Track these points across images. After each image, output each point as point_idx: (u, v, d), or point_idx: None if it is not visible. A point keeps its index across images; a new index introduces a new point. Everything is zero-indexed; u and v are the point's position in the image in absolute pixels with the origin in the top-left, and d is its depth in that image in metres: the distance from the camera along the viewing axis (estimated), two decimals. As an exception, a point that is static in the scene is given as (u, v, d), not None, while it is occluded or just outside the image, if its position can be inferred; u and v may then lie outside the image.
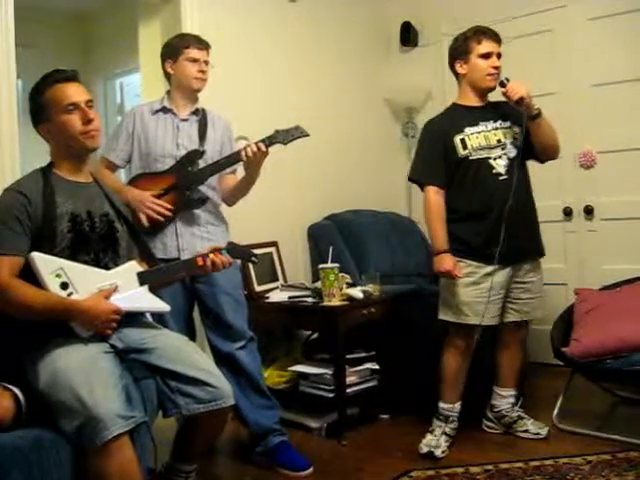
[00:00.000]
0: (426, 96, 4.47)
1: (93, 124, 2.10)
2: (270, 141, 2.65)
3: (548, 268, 3.98)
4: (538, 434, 2.90)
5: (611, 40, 3.79)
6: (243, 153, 2.63)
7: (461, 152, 2.81)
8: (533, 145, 2.83)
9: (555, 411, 3.03)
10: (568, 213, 3.98)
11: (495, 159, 2.81)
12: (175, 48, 2.75)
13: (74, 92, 2.10)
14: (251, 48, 3.71)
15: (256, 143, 2.63)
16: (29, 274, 1.96)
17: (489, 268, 2.77)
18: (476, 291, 2.78)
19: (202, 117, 2.81)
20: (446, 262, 2.77)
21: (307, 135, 2.70)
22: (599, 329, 2.91)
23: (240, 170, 2.84)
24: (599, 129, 3.86)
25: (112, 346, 2.04)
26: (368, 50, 4.52)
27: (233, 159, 2.72)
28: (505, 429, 2.98)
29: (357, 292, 3.18)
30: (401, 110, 4.60)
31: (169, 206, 2.64)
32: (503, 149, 2.82)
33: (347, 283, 3.29)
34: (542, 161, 2.94)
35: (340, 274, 3.17)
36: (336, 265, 3.13)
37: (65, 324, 1.97)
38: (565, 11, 3.94)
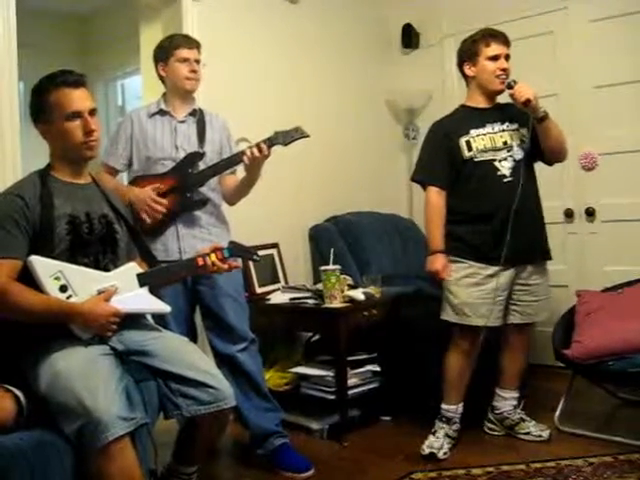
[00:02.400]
0: (427, 98, 4.47)
1: (93, 135, 2.09)
2: (270, 142, 2.64)
3: (549, 270, 4.01)
4: (540, 436, 2.90)
5: (613, 42, 3.78)
6: (245, 157, 2.63)
7: (466, 154, 2.81)
8: (540, 148, 2.82)
9: (557, 413, 3.02)
10: (569, 215, 3.98)
11: (500, 161, 2.81)
12: (165, 50, 2.75)
13: (79, 99, 2.07)
14: (252, 50, 3.71)
15: (257, 144, 2.63)
16: (28, 277, 1.96)
17: (492, 269, 2.77)
18: (479, 292, 2.78)
19: (200, 118, 2.81)
20: (437, 262, 2.79)
21: (307, 136, 2.69)
22: (601, 331, 2.90)
23: (240, 170, 2.84)
24: (601, 131, 3.86)
25: (112, 348, 2.04)
26: (369, 52, 4.52)
27: (233, 161, 2.72)
28: (507, 431, 2.98)
29: (358, 294, 3.18)
30: (402, 112, 4.60)
31: (165, 202, 2.62)
32: (509, 151, 2.82)
33: (348, 285, 3.29)
34: (550, 163, 2.94)
35: (341, 276, 3.17)
36: (337, 267, 3.13)
37: (65, 326, 1.97)
38: (566, 13, 3.93)
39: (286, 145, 2.67)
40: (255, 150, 2.61)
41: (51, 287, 1.96)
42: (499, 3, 4.15)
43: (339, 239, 3.75)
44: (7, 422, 1.83)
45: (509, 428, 2.97)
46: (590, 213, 3.90)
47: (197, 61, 2.75)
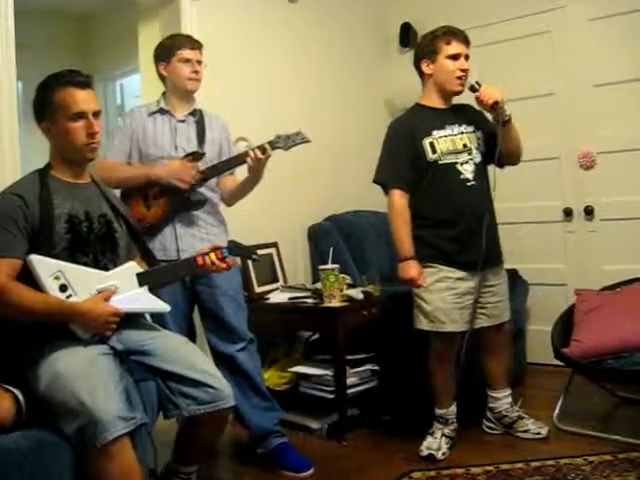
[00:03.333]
0: (426, 97, 4.46)
1: (96, 137, 2.09)
2: (272, 146, 2.64)
3: (548, 268, 4.02)
4: (539, 434, 2.89)
5: (611, 40, 3.78)
6: (248, 158, 2.63)
7: (430, 156, 2.75)
8: (497, 150, 2.74)
9: (556, 411, 3.02)
10: (568, 213, 3.98)
11: (462, 164, 2.76)
12: (167, 50, 2.74)
13: (84, 100, 2.07)
14: (251, 49, 3.71)
15: (261, 146, 2.63)
16: (28, 276, 1.96)
17: (461, 273, 2.74)
18: (452, 296, 2.73)
19: (199, 118, 2.80)
20: (412, 270, 2.72)
21: (308, 141, 2.68)
22: (600, 329, 2.91)
23: (238, 171, 2.83)
24: (599, 129, 3.86)
25: (112, 348, 2.03)
26: (368, 51, 4.52)
27: (236, 162, 2.72)
28: (505, 429, 2.97)
29: (357, 293, 3.18)
30: (400, 111, 4.57)
31: (193, 166, 2.63)
32: (469, 154, 2.78)
33: (347, 284, 3.29)
34: (502, 166, 2.89)
35: (340, 275, 3.16)
36: (336, 266, 3.13)
37: (65, 326, 1.97)
38: (565, 12, 3.93)
39: (287, 149, 2.67)
40: (258, 152, 2.61)
41: (51, 286, 1.95)
42: (497, 2, 4.15)
43: (338, 238, 3.75)
44: (6, 422, 1.83)
45: (508, 426, 2.96)
46: (589, 212, 3.90)
47: (199, 62, 2.75)
